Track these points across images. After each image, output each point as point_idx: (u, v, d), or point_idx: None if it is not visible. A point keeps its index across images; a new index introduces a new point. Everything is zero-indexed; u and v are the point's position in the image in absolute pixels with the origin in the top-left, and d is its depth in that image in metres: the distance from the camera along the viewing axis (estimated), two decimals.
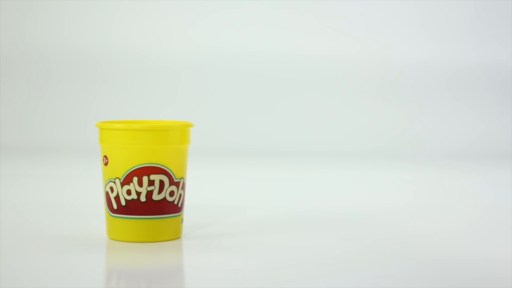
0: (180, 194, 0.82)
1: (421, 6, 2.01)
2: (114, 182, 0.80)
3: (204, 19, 1.94)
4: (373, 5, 2.00)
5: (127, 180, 0.80)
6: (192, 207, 1.03)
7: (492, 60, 2.00)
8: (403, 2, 2.01)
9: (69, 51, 1.95)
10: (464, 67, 1.99)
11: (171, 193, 0.81)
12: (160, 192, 0.80)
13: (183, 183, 0.83)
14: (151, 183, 0.80)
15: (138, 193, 0.80)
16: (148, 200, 0.80)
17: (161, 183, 0.80)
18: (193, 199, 1.10)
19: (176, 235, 0.83)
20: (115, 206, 0.81)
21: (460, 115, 1.94)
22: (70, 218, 0.97)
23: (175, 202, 0.82)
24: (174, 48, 1.95)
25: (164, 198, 0.81)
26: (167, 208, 0.81)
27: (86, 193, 1.17)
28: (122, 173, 0.80)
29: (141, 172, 0.80)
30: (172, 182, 0.81)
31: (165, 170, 0.80)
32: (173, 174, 0.81)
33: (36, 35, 1.96)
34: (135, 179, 0.79)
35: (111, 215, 0.81)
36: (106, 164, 0.81)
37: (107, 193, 0.81)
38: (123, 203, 0.80)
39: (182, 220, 0.84)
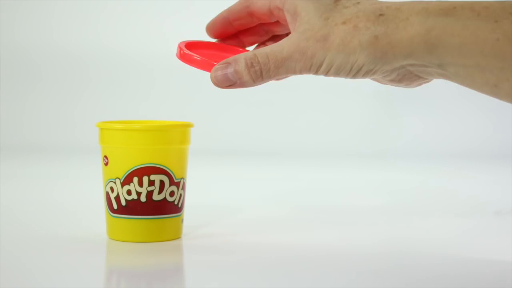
0: (180, 194, 0.82)
1: None
2: (114, 182, 0.80)
3: (199, 18, 1.94)
4: None
5: (127, 180, 0.80)
6: (193, 207, 1.03)
7: None
8: None
9: (63, 51, 1.95)
10: None
11: (171, 193, 0.81)
12: (160, 192, 0.80)
13: (183, 183, 0.83)
14: (151, 183, 0.80)
15: (138, 193, 0.80)
16: (148, 200, 0.80)
17: (161, 183, 0.80)
18: (193, 199, 1.10)
19: (176, 235, 0.83)
20: (115, 206, 0.81)
21: (468, 116, 1.94)
22: (69, 218, 0.97)
23: (175, 202, 0.82)
24: (170, 49, 1.95)
25: (164, 198, 0.81)
26: (167, 208, 0.81)
27: (84, 193, 1.17)
28: (122, 173, 0.80)
29: (141, 172, 0.80)
30: (172, 182, 0.81)
31: (165, 170, 0.80)
32: (173, 174, 0.81)
33: (34, 36, 1.97)
34: (135, 179, 0.79)
35: (111, 215, 0.81)
36: (106, 164, 0.81)
37: (107, 193, 0.81)
38: (123, 203, 0.80)
39: (182, 220, 0.84)
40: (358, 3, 0.68)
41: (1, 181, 1.29)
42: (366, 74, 0.68)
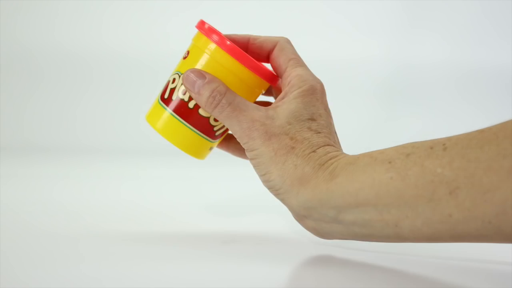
0: (223, 127, 0.82)
1: (426, 6, 2.01)
2: (179, 76, 0.81)
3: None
4: (375, 5, 2.00)
5: None
6: (193, 206, 1.03)
7: (501, 62, 2.00)
8: (407, 2, 2.01)
9: (65, 51, 1.95)
10: (472, 68, 1.99)
11: (216, 120, 0.81)
12: None
13: None
14: None
15: (190, 98, 0.80)
16: (195, 109, 0.80)
17: None
18: (193, 198, 1.10)
19: (200, 156, 0.83)
20: (166, 95, 0.81)
21: (468, 117, 1.94)
22: (69, 218, 0.97)
23: (215, 129, 0.81)
24: (173, 49, 1.95)
25: (208, 119, 0.80)
26: (206, 128, 0.81)
27: (84, 193, 1.17)
28: None
29: None
30: None
31: None
32: None
33: (36, 36, 1.97)
34: None
35: (159, 101, 0.82)
36: (184, 58, 0.81)
37: (168, 81, 0.82)
38: (174, 97, 0.80)
39: (211, 149, 0.84)
40: (314, 139, 0.75)
41: (1, 181, 1.29)
42: (271, 189, 0.75)
